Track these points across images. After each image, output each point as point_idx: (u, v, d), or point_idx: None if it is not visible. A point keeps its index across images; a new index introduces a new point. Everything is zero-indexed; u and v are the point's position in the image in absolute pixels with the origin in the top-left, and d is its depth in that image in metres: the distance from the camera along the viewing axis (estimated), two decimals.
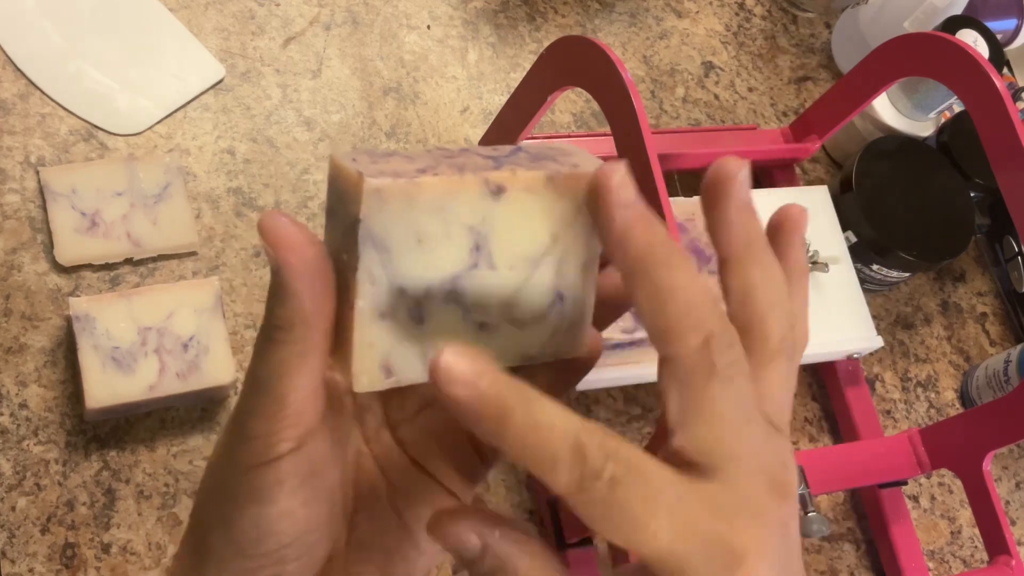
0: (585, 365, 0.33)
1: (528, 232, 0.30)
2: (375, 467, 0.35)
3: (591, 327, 0.33)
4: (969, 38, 0.86)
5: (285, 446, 0.30)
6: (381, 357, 0.29)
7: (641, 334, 0.64)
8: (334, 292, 0.29)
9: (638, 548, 0.26)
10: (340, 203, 0.28)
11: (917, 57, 0.71)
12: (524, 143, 0.32)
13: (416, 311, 0.29)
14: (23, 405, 0.63)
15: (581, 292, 0.32)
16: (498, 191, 0.29)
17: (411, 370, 0.30)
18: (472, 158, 0.30)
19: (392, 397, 0.35)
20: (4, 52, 0.72)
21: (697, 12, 0.95)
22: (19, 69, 0.72)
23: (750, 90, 0.93)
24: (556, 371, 0.33)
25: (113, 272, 0.68)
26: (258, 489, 0.30)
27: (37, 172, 0.69)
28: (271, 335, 0.29)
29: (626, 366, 0.69)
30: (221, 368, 0.63)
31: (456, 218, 0.29)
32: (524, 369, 0.33)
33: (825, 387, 0.82)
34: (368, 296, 0.28)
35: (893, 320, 0.88)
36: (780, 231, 0.31)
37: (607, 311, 0.33)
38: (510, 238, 0.30)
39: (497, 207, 0.29)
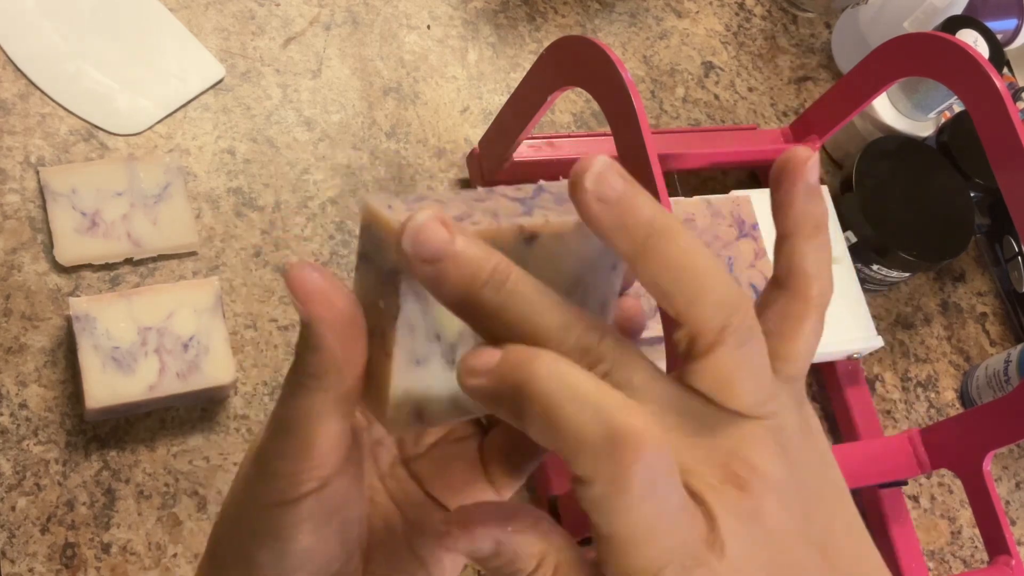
0: None
1: (556, 274, 0.30)
2: (390, 502, 0.35)
3: None
4: (969, 38, 0.86)
5: (309, 485, 0.29)
6: (415, 402, 0.29)
7: (643, 334, 0.64)
8: (366, 340, 0.28)
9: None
10: (377, 251, 0.28)
11: (917, 57, 0.71)
12: (543, 182, 0.32)
13: (449, 356, 0.29)
14: (23, 405, 0.63)
15: None
16: (531, 238, 0.29)
17: (442, 413, 0.30)
18: (500, 201, 0.30)
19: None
20: (4, 52, 0.72)
21: (697, 12, 0.95)
22: (19, 69, 0.72)
23: (750, 90, 0.93)
24: None
25: (113, 272, 0.68)
26: (280, 527, 0.30)
27: (37, 172, 0.69)
28: (303, 381, 0.28)
29: None
30: (221, 368, 0.63)
31: None
32: None
33: (825, 387, 0.82)
34: (406, 344, 0.28)
35: (893, 320, 0.88)
36: (780, 182, 0.30)
37: None
38: (540, 280, 0.30)
39: (530, 252, 0.29)
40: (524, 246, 0.29)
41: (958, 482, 0.78)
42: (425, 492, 0.35)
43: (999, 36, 0.89)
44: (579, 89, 0.65)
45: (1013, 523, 0.83)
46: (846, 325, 0.77)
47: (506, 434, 0.34)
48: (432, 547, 0.34)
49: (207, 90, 0.76)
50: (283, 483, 0.29)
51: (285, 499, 0.30)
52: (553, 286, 0.30)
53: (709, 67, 0.92)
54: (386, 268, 0.28)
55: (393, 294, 0.28)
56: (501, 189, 0.32)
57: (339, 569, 0.32)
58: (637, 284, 0.29)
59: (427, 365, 0.29)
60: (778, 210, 0.29)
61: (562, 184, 0.32)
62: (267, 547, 0.30)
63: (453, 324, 0.29)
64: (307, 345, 0.28)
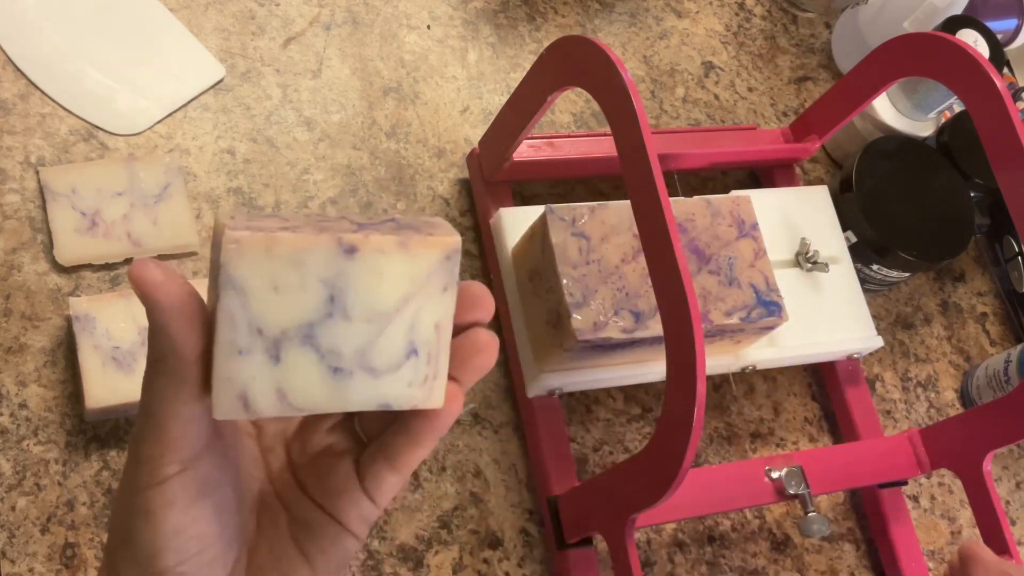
0: (444, 418, 0.36)
1: (382, 289, 0.34)
2: (277, 502, 0.38)
3: (450, 383, 0.36)
4: (969, 38, 0.86)
5: (172, 468, 0.33)
6: (238, 390, 0.32)
7: (641, 333, 0.64)
8: (202, 326, 0.32)
9: None
10: (214, 252, 0.33)
11: (917, 57, 0.71)
12: (399, 216, 0.37)
13: (273, 351, 0.33)
14: (23, 405, 0.63)
15: (436, 348, 0.35)
16: (351, 250, 0.33)
17: (267, 404, 0.33)
18: (341, 223, 0.34)
19: (293, 442, 0.39)
20: (4, 52, 0.72)
21: (697, 12, 0.95)
22: (19, 69, 0.72)
23: (750, 90, 0.93)
24: (417, 421, 0.36)
25: (113, 272, 0.68)
26: (149, 509, 0.33)
27: (37, 172, 0.69)
28: (150, 366, 0.33)
29: (626, 366, 0.69)
30: None
31: (311, 271, 0.32)
32: (384, 416, 0.37)
33: (825, 387, 0.82)
34: (226, 333, 0.32)
35: (893, 320, 0.88)
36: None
37: (468, 372, 0.37)
38: (364, 293, 0.33)
39: (350, 265, 0.33)
40: (344, 258, 0.33)
41: (958, 482, 0.78)
42: (308, 496, 0.38)
43: (999, 36, 0.89)
44: (579, 89, 0.65)
45: (1013, 523, 0.84)
46: (846, 325, 0.77)
47: (380, 450, 0.38)
48: (316, 544, 0.38)
49: (207, 90, 0.76)
50: (147, 467, 0.33)
51: (152, 482, 0.33)
52: (381, 298, 0.34)
53: (709, 67, 0.92)
54: (216, 266, 0.32)
55: (216, 287, 0.32)
56: (354, 216, 0.36)
57: (217, 554, 0.35)
58: None
59: (250, 356, 0.32)
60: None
61: (416, 218, 0.36)
62: (140, 529, 0.34)
63: (274, 321, 0.32)
64: (151, 330, 0.32)
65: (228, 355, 0.32)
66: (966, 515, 0.82)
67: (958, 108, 0.92)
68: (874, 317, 0.79)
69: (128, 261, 0.68)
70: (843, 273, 0.78)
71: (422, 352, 0.35)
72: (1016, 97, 0.94)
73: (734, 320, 0.67)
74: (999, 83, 0.64)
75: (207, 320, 0.32)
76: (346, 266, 0.33)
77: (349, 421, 0.40)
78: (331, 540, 0.38)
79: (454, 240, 0.35)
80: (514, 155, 0.72)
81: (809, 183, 0.90)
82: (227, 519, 0.36)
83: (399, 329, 0.34)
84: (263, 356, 0.32)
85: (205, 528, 0.34)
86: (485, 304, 0.36)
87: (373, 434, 0.39)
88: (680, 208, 0.69)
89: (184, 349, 0.32)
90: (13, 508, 0.61)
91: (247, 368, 0.32)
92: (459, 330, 0.36)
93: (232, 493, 0.36)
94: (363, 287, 0.33)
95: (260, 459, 0.39)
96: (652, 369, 0.70)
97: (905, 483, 0.78)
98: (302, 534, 0.38)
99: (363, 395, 0.34)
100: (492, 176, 0.75)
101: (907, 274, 0.83)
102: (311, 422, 0.39)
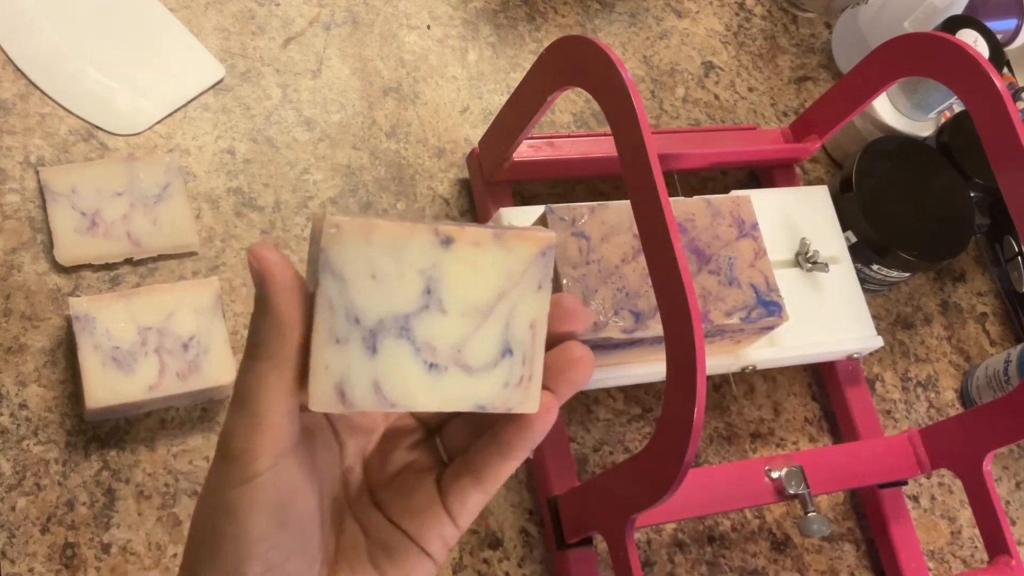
0: (537, 427, 0.35)
1: (477, 283, 0.33)
2: (355, 524, 0.38)
3: (545, 392, 0.35)
4: (969, 38, 0.86)
5: (263, 463, 0.32)
6: (335, 380, 0.32)
7: (641, 333, 0.64)
8: (305, 313, 0.32)
9: None
10: (314, 243, 0.33)
11: (917, 57, 0.71)
12: (492, 223, 0.36)
13: (370, 341, 0.32)
14: (23, 405, 0.63)
15: (531, 348, 0.34)
16: (447, 241, 0.33)
17: (363, 397, 0.32)
18: (437, 221, 0.34)
19: (372, 460, 0.38)
20: (4, 52, 0.72)
21: (697, 12, 0.95)
22: (19, 69, 0.72)
23: (750, 90, 0.93)
24: (507, 431, 0.36)
25: (113, 272, 0.68)
26: (237, 508, 0.32)
27: (37, 172, 0.69)
28: (251, 352, 0.32)
29: (626, 366, 0.69)
30: (221, 368, 0.63)
31: (408, 260, 0.32)
32: (470, 430, 0.37)
33: (825, 387, 0.82)
34: (325, 320, 0.32)
35: (893, 320, 0.88)
36: None
37: (562, 385, 0.36)
38: (460, 286, 0.33)
39: (446, 256, 0.33)
40: (441, 248, 0.33)
41: (958, 482, 0.78)
42: (386, 516, 0.37)
43: (999, 36, 0.89)
44: (579, 89, 0.65)
45: (1013, 523, 0.84)
46: (846, 325, 0.77)
47: (465, 465, 0.37)
48: (395, 567, 0.37)
49: (207, 90, 0.76)
50: (238, 462, 0.32)
51: (242, 478, 0.32)
52: (475, 292, 0.33)
53: (709, 67, 0.92)
54: (315, 253, 0.32)
55: (316, 273, 0.32)
56: (451, 221, 0.34)
57: (300, 568, 0.34)
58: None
59: (347, 345, 0.32)
60: None
61: (511, 224, 0.36)
62: (228, 530, 0.33)
63: (372, 311, 0.32)
64: (258, 308, 0.32)
65: (326, 343, 0.32)
66: (966, 515, 0.82)
67: (958, 108, 0.92)
68: (874, 317, 0.79)
69: (128, 261, 0.68)
70: (843, 273, 0.78)
71: (517, 352, 0.34)
72: (1016, 97, 0.94)
73: (734, 320, 0.67)
74: (999, 83, 0.64)
75: (308, 313, 0.32)
76: (442, 257, 0.33)
77: (430, 439, 0.39)
78: (411, 564, 0.37)
79: (549, 236, 0.34)
80: (514, 155, 0.72)
81: (809, 183, 0.90)
82: (311, 531, 0.35)
83: (494, 326, 0.34)
84: (360, 346, 0.32)
85: (291, 536, 0.34)
86: (579, 316, 0.36)
87: (456, 451, 0.38)
88: (680, 208, 0.69)
89: (287, 330, 0.32)
90: (13, 508, 0.61)
91: (344, 358, 0.32)
92: (552, 343, 0.35)
93: (315, 505, 0.35)
94: (459, 280, 0.33)
95: (340, 477, 0.38)
96: (652, 369, 0.70)
97: (905, 483, 0.78)
98: (381, 556, 0.37)
99: (457, 394, 0.34)
100: (492, 176, 0.75)
101: (907, 274, 0.83)
102: (391, 439, 0.38)
